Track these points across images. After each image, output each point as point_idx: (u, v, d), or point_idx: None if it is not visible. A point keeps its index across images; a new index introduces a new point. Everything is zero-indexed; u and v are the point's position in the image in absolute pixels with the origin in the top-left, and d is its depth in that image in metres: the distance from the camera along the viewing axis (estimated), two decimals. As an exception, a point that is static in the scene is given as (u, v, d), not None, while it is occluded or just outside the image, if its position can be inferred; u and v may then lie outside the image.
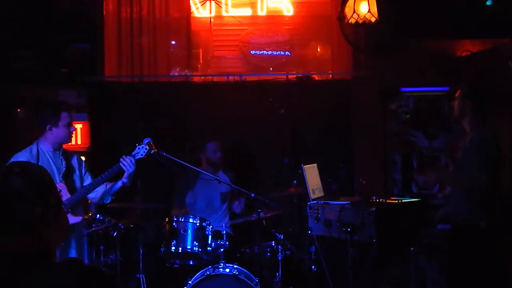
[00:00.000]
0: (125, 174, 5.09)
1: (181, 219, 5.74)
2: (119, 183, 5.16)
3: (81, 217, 5.10)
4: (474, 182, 5.03)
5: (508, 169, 5.88)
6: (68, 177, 5.07)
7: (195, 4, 8.19)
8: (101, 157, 6.80)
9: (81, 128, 7.48)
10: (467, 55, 7.45)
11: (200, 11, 8.23)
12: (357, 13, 6.61)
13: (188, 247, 5.64)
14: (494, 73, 6.76)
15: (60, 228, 2.19)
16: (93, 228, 5.83)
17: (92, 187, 5.06)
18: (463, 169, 5.15)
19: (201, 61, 8.37)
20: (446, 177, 5.52)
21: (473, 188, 5.08)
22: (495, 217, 5.09)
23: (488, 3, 5.91)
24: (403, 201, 6.18)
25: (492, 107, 5.86)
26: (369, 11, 6.59)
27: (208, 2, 8.16)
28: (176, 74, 7.96)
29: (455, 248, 5.22)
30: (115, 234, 5.82)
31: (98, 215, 5.78)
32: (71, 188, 5.00)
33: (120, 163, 5.03)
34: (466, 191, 5.14)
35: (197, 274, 5.53)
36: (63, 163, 5.06)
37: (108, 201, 5.33)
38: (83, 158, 7.08)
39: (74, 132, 5.14)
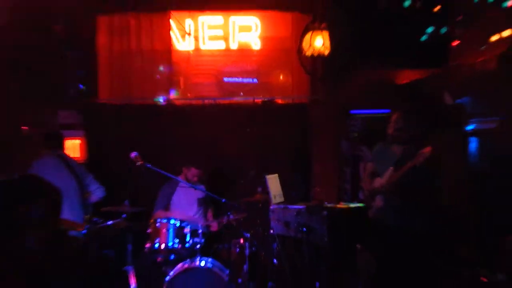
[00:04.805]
0: None
1: (164, 220, 5.94)
2: None
3: None
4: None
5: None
6: None
7: (177, 38, 8.45)
8: (96, 169, 6.86)
9: (79, 144, 7.74)
10: (407, 83, 7.85)
11: (180, 44, 8.50)
12: (313, 47, 6.97)
13: (170, 244, 5.83)
14: (430, 98, 7.15)
15: None
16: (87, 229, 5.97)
17: None
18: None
19: (181, 86, 8.59)
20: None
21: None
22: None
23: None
24: (350, 206, 6.45)
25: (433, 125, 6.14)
26: (323, 44, 6.96)
27: (187, 36, 8.43)
28: (160, 97, 8.24)
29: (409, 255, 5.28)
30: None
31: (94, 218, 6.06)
32: None
33: None
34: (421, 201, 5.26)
35: (177, 267, 5.75)
36: None
37: None
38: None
39: None
